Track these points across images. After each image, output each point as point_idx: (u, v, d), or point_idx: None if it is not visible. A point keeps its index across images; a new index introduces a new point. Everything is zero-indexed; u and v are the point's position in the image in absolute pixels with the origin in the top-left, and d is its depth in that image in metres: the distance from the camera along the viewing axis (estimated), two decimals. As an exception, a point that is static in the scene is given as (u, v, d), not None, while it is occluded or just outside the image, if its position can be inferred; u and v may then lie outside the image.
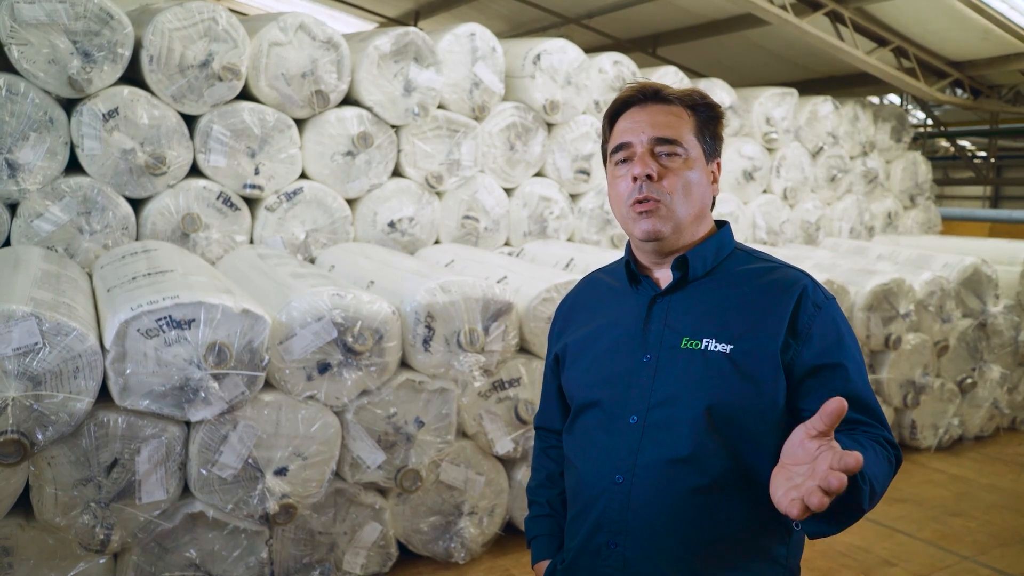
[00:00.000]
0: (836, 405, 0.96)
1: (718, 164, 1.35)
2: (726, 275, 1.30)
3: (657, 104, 1.31)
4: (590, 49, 4.73)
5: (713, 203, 1.36)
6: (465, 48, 3.98)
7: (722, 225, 1.37)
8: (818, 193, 5.70)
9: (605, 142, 1.38)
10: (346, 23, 7.49)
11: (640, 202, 1.26)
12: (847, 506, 1.06)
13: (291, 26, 3.49)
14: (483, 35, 4.03)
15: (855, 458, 0.92)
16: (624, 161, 1.30)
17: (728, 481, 1.18)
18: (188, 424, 2.36)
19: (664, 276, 1.33)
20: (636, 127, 1.29)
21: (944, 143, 9.86)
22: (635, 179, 1.26)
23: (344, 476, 2.67)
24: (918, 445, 4.38)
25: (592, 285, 1.49)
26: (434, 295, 2.75)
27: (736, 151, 5.11)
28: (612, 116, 1.35)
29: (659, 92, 1.31)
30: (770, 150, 5.35)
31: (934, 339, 4.31)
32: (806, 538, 1.33)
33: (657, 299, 1.31)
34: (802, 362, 1.21)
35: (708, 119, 1.33)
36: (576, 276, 2.96)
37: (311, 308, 2.50)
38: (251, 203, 3.60)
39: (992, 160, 9.44)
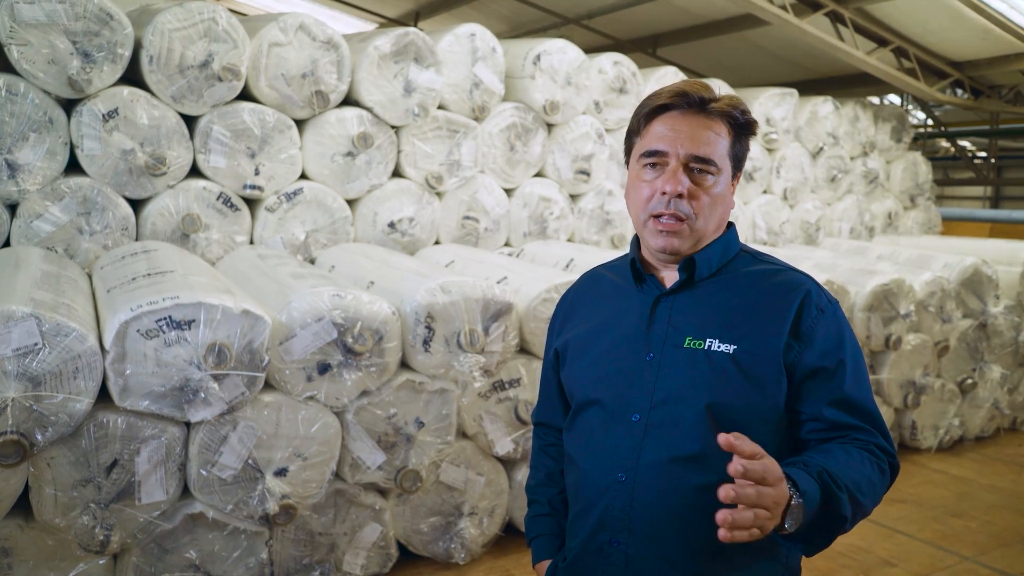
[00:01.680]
0: (723, 439, 0.97)
1: (738, 176, 1.34)
2: (731, 276, 1.30)
3: (700, 116, 1.26)
4: (590, 49, 4.73)
5: None
6: (465, 48, 3.98)
7: (728, 226, 1.37)
8: (818, 193, 5.69)
9: (633, 135, 1.33)
10: (346, 23, 7.49)
11: (665, 218, 1.25)
12: (829, 516, 1.07)
13: (291, 26, 3.49)
14: (483, 35, 4.03)
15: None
16: (654, 166, 1.27)
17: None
18: (188, 425, 2.36)
19: (670, 276, 1.33)
20: (675, 137, 1.25)
21: (944, 143, 9.86)
22: (664, 194, 1.24)
23: (344, 477, 2.67)
24: (918, 445, 4.38)
25: (594, 281, 1.48)
26: (434, 295, 2.75)
27: (736, 151, 5.10)
28: (649, 114, 1.29)
29: (704, 102, 1.26)
30: (770, 150, 5.35)
31: (934, 339, 4.31)
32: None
33: (661, 299, 1.31)
34: (803, 364, 1.22)
35: (743, 136, 1.30)
36: (576, 276, 2.96)
37: (311, 308, 2.50)
38: (251, 203, 3.60)
39: (992, 160, 9.44)
